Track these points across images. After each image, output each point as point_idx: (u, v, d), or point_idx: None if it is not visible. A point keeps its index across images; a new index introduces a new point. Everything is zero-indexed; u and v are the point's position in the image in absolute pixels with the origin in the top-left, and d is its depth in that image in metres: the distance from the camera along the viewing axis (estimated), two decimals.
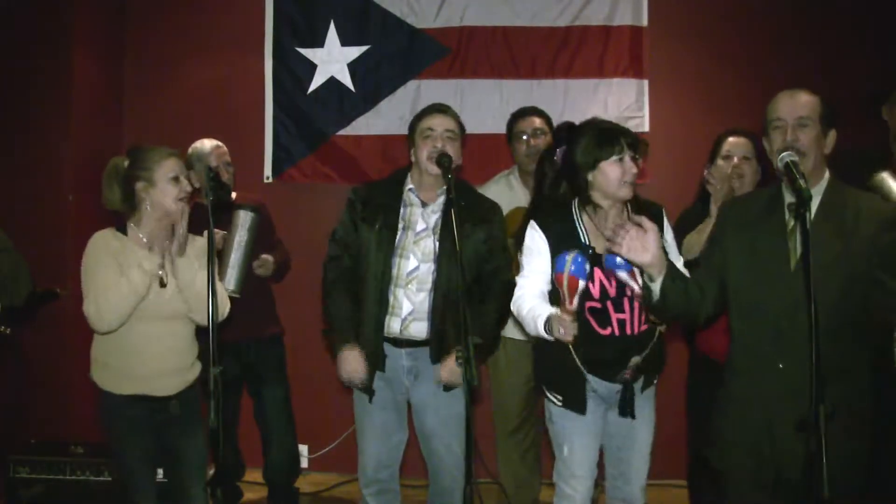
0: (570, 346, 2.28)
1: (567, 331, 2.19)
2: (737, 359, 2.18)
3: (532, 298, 2.36)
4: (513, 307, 2.46)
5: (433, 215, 2.65)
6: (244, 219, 3.17)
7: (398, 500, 2.83)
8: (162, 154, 2.46)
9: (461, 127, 2.69)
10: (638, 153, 2.34)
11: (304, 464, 4.05)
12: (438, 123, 2.63)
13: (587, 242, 2.35)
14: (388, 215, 2.64)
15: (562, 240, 2.33)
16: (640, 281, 2.16)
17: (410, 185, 2.69)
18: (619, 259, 2.14)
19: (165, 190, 2.43)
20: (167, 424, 2.50)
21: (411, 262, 2.61)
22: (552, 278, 2.29)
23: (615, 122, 2.47)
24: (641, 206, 2.39)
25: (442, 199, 2.65)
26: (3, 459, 3.34)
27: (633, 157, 2.30)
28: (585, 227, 2.37)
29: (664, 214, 2.45)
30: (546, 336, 2.27)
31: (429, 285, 2.60)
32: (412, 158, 2.68)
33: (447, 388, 2.62)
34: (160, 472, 2.78)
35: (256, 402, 3.50)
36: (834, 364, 1.91)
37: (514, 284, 2.67)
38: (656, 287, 2.08)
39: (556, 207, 2.44)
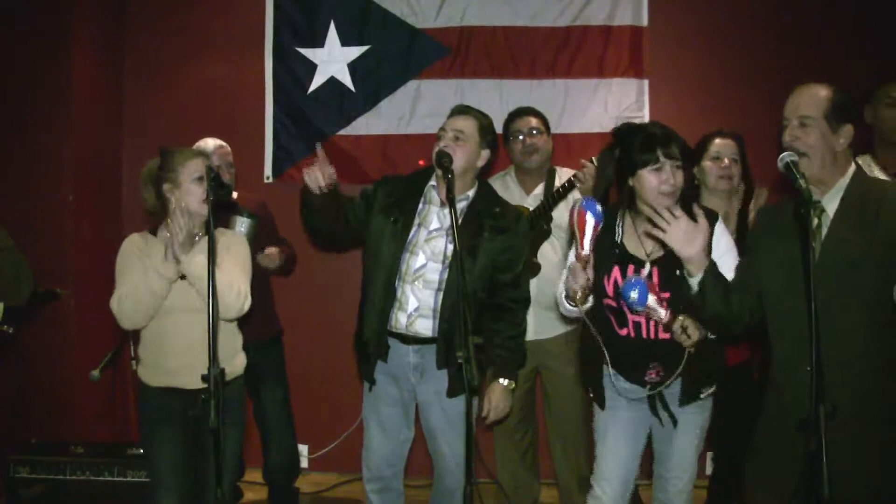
0: (586, 319, 2.25)
1: (575, 277, 2.16)
2: (775, 368, 2.16)
3: None
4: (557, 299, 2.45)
5: (450, 216, 2.64)
6: (241, 225, 3.17)
7: (402, 500, 2.83)
8: (187, 155, 2.50)
9: (484, 128, 2.66)
10: (685, 161, 2.29)
11: (304, 464, 4.06)
12: (450, 124, 2.65)
13: (619, 241, 2.34)
14: (405, 210, 2.65)
15: (601, 235, 2.27)
16: (659, 314, 2.18)
17: (433, 183, 2.69)
18: (632, 296, 2.15)
19: (190, 190, 2.47)
20: (201, 419, 2.50)
21: (419, 259, 2.61)
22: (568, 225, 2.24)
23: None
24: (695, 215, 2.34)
25: (464, 202, 2.65)
26: (3, 459, 3.33)
27: (677, 166, 2.25)
28: (624, 228, 2.36)
29: (719, 222, 2.36)
30: (568, 307, 2.27)
31: (435, 284, 2.60)
32: None
33: (451, 394, 2.62)
34: None
35: (255, 402, 3.50)
36: (882, 356, 1.92)
37: (529, 299, 2.70)
38: (695, 282, 2.10)
39: (609, 209, 2.41)
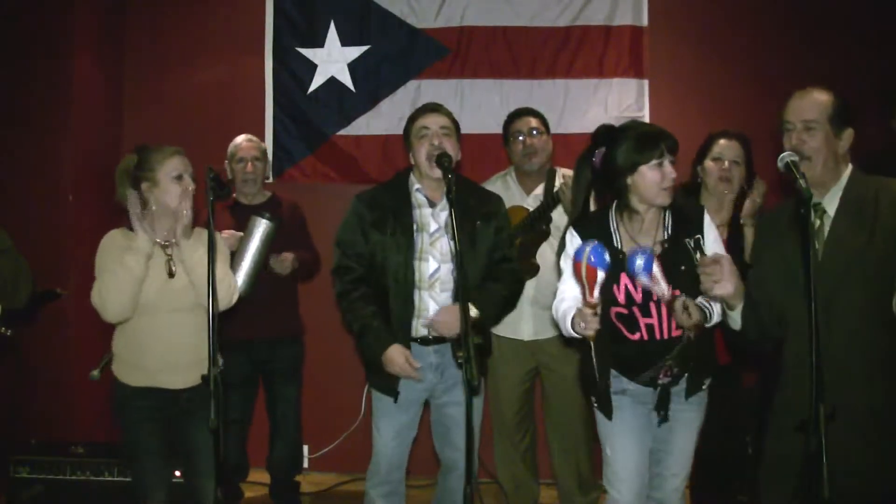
0: (591, 345, 2.24)
1: (587, 324, 2.10)
2: (784, 367, 2.16)
3: (569, 301, 2.29)
4: (553, 311, 2.38)
5: (442, 213, 2.64)
6: (258, 226, 3.18)
7: (404, 501, 2.83)
8: (165, 153, 2.49)
9: (456, 123, 2.69)
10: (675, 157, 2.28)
11: (305, 464, 4.05)
12: (433, 121, 2.63)
13: (619, 247, 2.30)
14: (400, 219, 2.62)
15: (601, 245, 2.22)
16: (662, 287, 2.12)
17: (417, 186, 2.67)
18: (638, 262, 2.11)
19: (168, 189, 2.47)
20: (180, 419, 2.52)
21: (431, 265, 2.61)
22: (573, 270, 2.14)
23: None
24: (681, 209, 2.34)
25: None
26: (3, 459, 3.34)
27: (672, 161, 2.25)
28: (619, 232, 2.32)
29: (706, 214, 2.34)
30: (574, 334, 2.22)
31: (451, 285, 2.60)
32: (412, 160, 2.68)
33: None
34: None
35: (269, 396, 3.57)
36: (878, 355, 1.91)
37: (520, 272, 2.73)
38: (736, 315, 2.07)
39: (596, 214, 2.40)
